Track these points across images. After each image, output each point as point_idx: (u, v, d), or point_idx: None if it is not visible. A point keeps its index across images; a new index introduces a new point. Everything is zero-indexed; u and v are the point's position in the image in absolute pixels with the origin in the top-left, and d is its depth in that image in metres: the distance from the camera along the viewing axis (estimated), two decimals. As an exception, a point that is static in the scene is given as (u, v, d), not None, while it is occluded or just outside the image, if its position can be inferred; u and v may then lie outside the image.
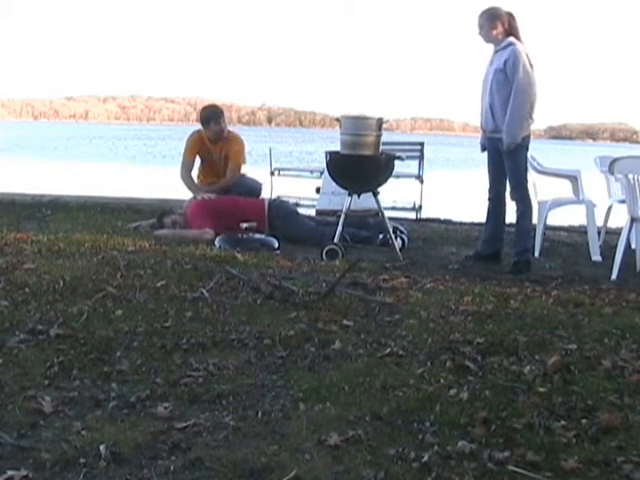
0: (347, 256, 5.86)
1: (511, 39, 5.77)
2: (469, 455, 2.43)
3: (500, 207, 6.07)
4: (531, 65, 5.73)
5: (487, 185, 6.11)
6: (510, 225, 6.12)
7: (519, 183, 5.84)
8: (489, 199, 6.10)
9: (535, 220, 6.37)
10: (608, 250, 6.37)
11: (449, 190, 17.56)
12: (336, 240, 6.03)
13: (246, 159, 7.38)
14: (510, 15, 5.81)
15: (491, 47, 5.95)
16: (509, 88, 5.68)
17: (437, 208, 11.46)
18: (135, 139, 56.64)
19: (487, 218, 6.16)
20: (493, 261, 6.01)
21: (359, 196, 6.35)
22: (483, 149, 6.12)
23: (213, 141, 7.22)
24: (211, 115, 7.18)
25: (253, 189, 7.25)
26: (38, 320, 3.68)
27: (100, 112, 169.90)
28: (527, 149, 5.90)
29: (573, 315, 4.26)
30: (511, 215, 6.08)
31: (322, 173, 12.26)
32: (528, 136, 5.85)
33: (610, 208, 7.15)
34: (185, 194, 7.43)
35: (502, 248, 6.11)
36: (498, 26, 5.78)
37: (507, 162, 5.84)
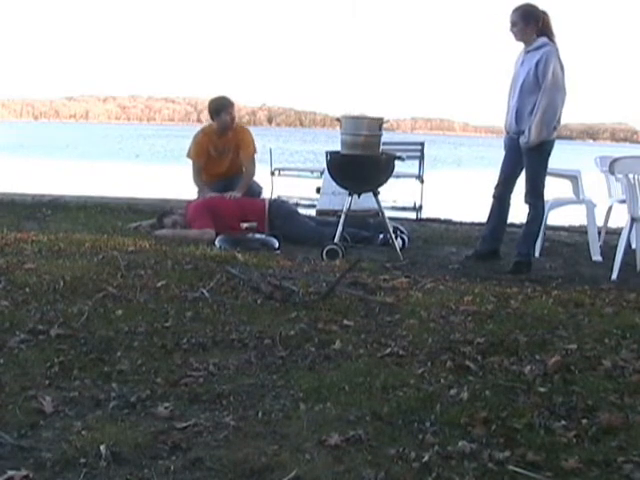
0: (347, 256, 5.85)
1: (545, 39, 5.57)
2: (469, 455, 2.43)
3: (504, 208, 6.00)
4: (562, 68, 5.55)
5: (495, 182, 5.98)
6: (511, 225, 6.10)
7: (535, 187, 5.70)
8: (494, 196, 6.00)
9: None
10: (608, 250, 6.37)
11: (449, 190, 17.55)
12: (336, 240, 6.02)
13: (256, 148, 7.39)
14: (544, 13, 5.60)
15: (519, 46, 5.76)
16: (539, 91, 5.51)
17: (437, 208, 11.46)
18: (140, 138, 56.58)
19: (489, 216, 6.06)
20: (492, 258, 5.97)
21: (359, 196, 6.35)
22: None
23: (220, 133, 7.21)
24: (221, 106, 7.22)
25: (254, 191, 7.25)
26: (38, 320, 3.68)
27: (100, 112, 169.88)
28: (549, 154, 5.71)
29: (573, 315, 4.26)
30: (513, 216, 6.05)
31: (322, 173, 12.28)
32: (552, 142, 5.68)
33: (610, 208, 7.15)
34: (186, 195, 7.44)
35: (500, 247, 6.08)
36: (533, 24, 5.57)
37: (526, 165, 5.70)
